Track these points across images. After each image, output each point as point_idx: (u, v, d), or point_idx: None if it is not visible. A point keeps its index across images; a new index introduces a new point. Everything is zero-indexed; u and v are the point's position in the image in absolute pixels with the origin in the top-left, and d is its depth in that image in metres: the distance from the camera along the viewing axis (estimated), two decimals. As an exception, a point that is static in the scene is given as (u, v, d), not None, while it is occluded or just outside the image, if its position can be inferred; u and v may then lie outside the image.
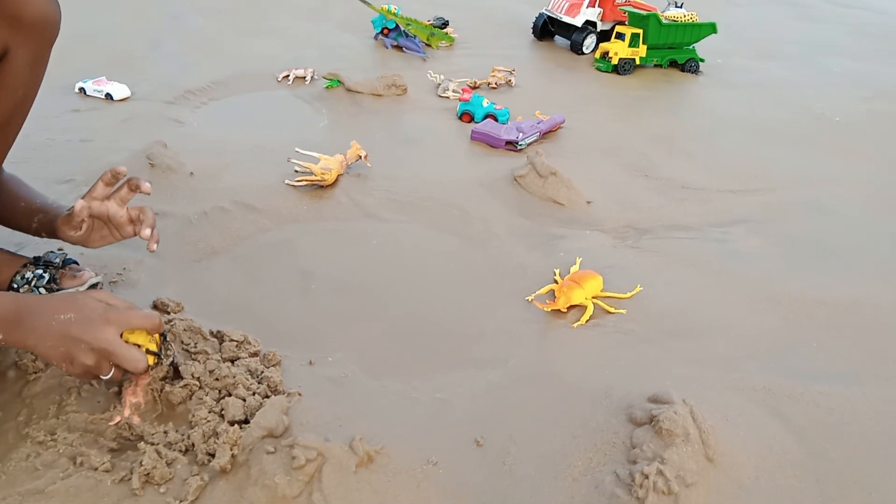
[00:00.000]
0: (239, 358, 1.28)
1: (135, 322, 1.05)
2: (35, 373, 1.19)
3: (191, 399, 1.17)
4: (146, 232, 1.18)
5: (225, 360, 1.26)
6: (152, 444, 1.06)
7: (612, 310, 1.58)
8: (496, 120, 2.52)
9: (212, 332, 1.32)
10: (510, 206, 2.01)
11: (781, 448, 1.23)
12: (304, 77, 2.83)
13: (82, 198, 1.19)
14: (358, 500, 1.04)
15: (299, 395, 1.21)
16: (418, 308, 1.55)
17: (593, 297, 1.58)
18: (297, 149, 2.09)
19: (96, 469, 1.04)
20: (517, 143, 2.37)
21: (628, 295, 1.63)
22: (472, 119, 2.58)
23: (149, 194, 1.19)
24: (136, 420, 1.11)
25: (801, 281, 1.77)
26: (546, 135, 2.52)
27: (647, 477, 1.08)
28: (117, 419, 1.10)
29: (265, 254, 1.69)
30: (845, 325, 1.60)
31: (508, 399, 1.30)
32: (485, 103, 2.59)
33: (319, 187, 1.99)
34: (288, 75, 2.83)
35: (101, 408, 1.14)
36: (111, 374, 1.05)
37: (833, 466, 1.21)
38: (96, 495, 1.01)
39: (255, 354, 1.30)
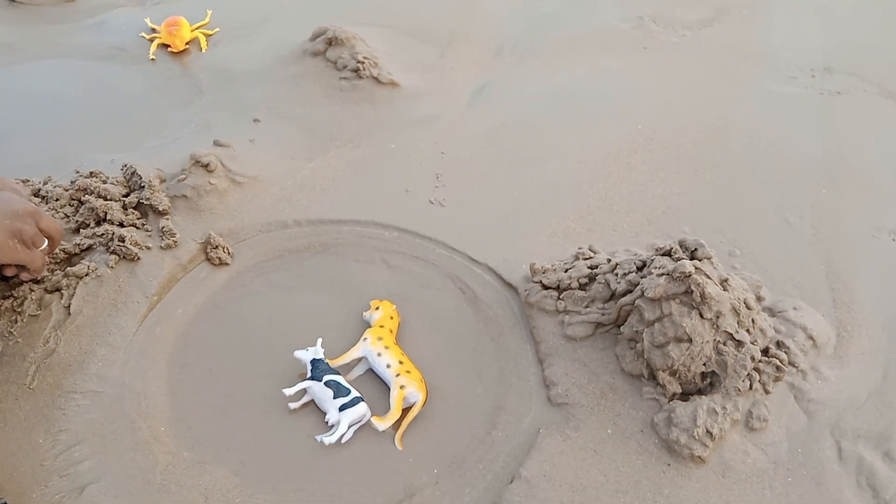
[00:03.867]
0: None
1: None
2: None
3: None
4: None
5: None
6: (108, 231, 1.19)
7: (210, 32, 1.96)
8: None
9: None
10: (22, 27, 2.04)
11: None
12: None
13: None
14: (252, 168, 1.39)
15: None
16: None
17: (194, 31, 1.93)
18: None
19: (87, 275, 1.14)
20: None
21: (207, 20, 2.00)
22: None
23: None
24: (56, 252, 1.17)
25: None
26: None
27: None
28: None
29: None
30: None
31: (225, 113, 1.66)
32: None
33: None
34: None
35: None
36: (45, 245, 1.07)
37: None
38: (109, 288, 1.15)
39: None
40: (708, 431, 0.91)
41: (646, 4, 2.12)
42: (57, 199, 1.28)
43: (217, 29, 1.96)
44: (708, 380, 0.97)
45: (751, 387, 0.95)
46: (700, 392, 0.97)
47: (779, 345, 1.02)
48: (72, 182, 1.32)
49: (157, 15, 2.00)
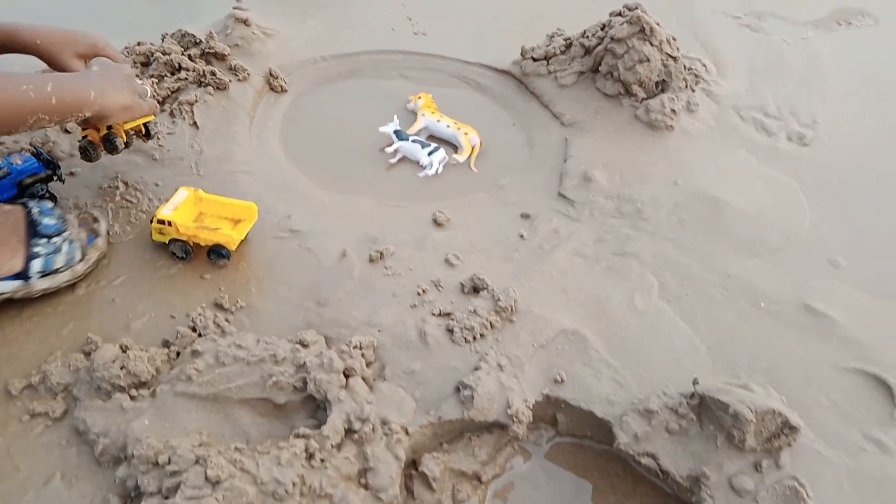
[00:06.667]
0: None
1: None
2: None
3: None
4: None
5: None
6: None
7: None
8: None
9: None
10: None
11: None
12: None
13: None
14: (270, 23, 1.72)
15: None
16: None
17: None
18: None
19: (196, 101, 1.44)
20: None
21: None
22: None
23: None
24: None
25: None
26: None
27: None
28: None
29: None
30: None
31: None
32: None
33: None
34: None
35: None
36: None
37: None
38: (216, 109, 1.46)
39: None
40: (672, 110, 1.45)
41: None
42: (123, 63, 1.53)
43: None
44: (660, 87, 1.51)
45: (686, 86, 1.51)
46: (655, 95, 1.51)
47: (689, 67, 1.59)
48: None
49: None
